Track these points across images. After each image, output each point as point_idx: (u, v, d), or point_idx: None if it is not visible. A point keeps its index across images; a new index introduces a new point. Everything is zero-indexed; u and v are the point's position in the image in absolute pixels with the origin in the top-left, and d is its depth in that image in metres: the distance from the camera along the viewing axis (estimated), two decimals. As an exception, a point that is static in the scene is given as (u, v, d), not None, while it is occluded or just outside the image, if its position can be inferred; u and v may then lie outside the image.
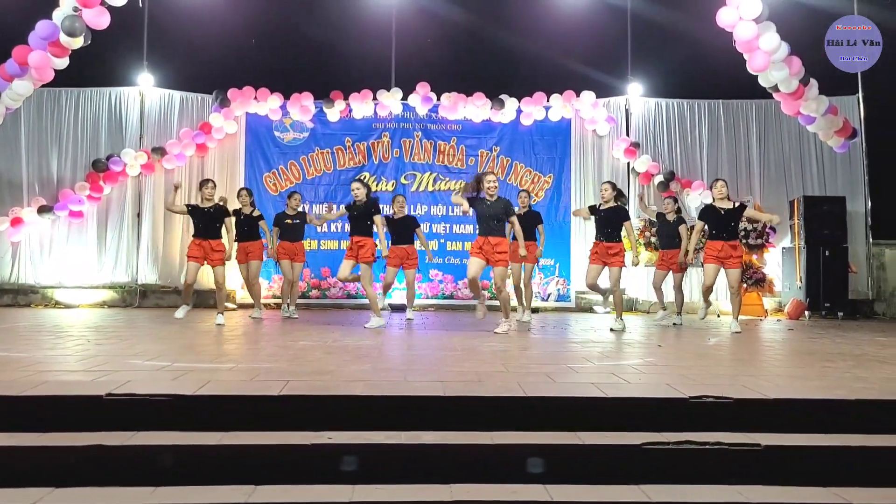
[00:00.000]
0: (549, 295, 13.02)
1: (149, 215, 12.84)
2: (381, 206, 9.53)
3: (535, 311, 12.31)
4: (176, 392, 3.92)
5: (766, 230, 12.41)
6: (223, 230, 9.29)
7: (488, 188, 8.12)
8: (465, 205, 8.19)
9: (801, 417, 3.95)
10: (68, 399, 3.88)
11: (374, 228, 8.89)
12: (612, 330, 8.69)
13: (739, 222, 9.11)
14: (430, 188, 13.11)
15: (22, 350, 5.92)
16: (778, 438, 3.67)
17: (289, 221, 10.47)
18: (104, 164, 12.51)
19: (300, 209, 10.72)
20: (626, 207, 9.10)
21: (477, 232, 8.28)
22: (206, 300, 12.34)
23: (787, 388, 4.53)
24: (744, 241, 12.27)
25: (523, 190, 10.77)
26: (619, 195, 9.05)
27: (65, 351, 5.95)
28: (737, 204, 8.98)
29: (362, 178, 12.63)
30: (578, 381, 4.66)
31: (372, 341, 7.16)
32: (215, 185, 9.40)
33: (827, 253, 11.94)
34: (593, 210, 9.16)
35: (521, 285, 10.40)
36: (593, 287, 9.08)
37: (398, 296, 12.69)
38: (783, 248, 12.80)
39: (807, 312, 11.85)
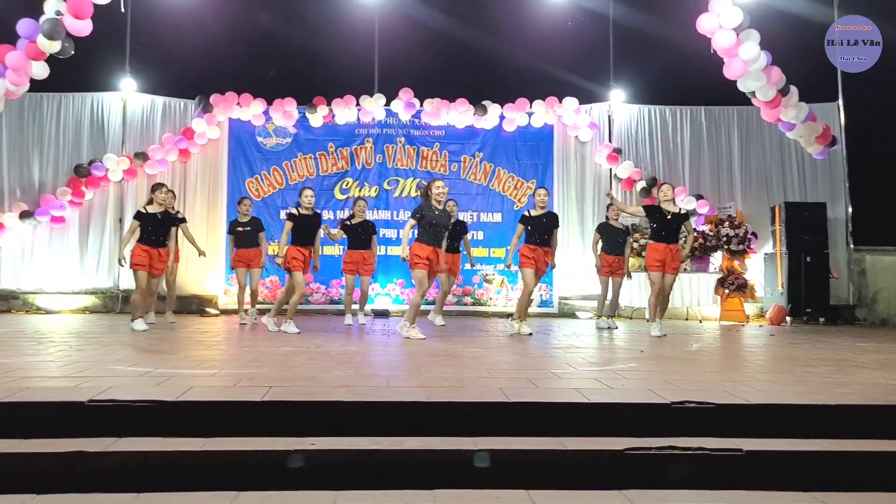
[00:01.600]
0: (531, 300, 13.03)
1: (130, 221, 12.74)
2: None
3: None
4: (158, 398, 3.91)
5: (748, 236, 12.47)
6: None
7: (437, 195, 8.13)
8: (410, 228, 8.25)
9: (782, 422, 3.98)
10: (49, 405, 3.86)
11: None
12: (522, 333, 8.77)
13: (681, 228, 9.11)
14: (413, 194, 13.09)
15: (2, 356, 5.88)
16: (760, 443, 3.70)
17: (240, 229, 10.38)
18: (86, 170, 12.44)
19: (252, 215, 10.67)
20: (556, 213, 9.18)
21: (420, 239, 8.13)
22: (189, 305, 12.31)
23: (769, 393, 4.55)
24: (725, 246, 12.35)
25: (450, 199, 10.31)
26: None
27: (46, 357, 5.91)
28: (682, 211, 9.12)
29: (347, 183, 12.67)
30: (561, 386, 4.68)
31: (355, 347, 7.16)
32: (170, 192, 9.34)
33: (808, 259, 12.01)
34: (526, 220, 9.07)
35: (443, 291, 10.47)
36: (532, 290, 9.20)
37: (379, 301, 12.72)
38: (765, 254, 12.87)
39: (788, 318, 11.93)
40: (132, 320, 8.87)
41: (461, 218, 11.28)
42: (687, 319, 12.64)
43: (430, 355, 6.41)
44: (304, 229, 8.92)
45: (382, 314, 12.14)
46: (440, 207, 8.16)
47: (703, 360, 6.59)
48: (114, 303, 12.69)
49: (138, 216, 9.10)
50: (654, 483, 3.48)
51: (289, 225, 8.93)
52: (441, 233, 8.15)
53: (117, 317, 11.60)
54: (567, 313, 12.97)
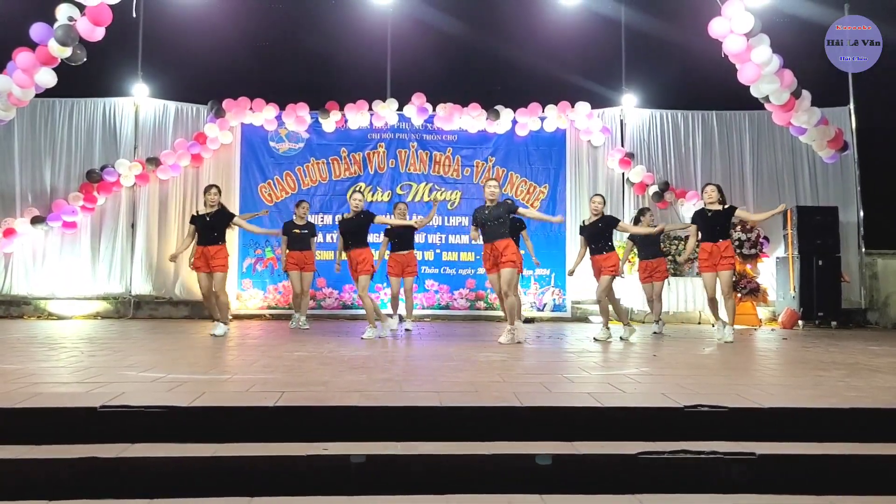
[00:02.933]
0: (544, 305, 13.02)
1: (143, 226, 12.81)
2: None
3: (530, 320, 12.33)
4: (171, 404, 3.91)
5: (760, 240, 12.43)
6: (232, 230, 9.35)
7: (489, 195, 8.22)
8: (476, 234, 8.46)
9: (795, 426, 3.96)
10: (62, 411, 3.87)
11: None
12: (595, 339, 8.72)
13: (729, 224, 9.03)
14: (426, 198, 13.10)
15: (15, 362, 5.90)
16: (772, 447, 3.68)
17: (297, 231, 10.41)
18: (98, 175, 12.50)
19: (308, 218, 10.71)
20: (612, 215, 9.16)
21: (482, 241, 8.31)
22: (201, 311, 12.33)
23: (782, 396, 4.53)
24: (738, 250, 12.29)
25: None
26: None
27: (58, 363, 5.93)
28: (726, 206, 8.89)
29: (359, 188, 12.69)
30: (574, 390, 4.67)
31: (368, 352, 7.15)
32: (219, 191, 9.19)
33: (820, 263, 11.98)
34: (582, 230, 9.22)
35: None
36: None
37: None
38: (777, 257, 12.83)
39: (800, 322, 11.88)
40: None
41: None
42: (699, 323, 12.61)
43: (443, 360, 6.41)
44: (348, 232, 9.06)
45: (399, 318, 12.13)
46: (491, 205, 8.21)
47: (716, 363, 6.57)
48: (126, 308, 12.74)
49: (192, 219, 9.22)
50: (666, 487, 3.46)
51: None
52: (492, 226, 8.14)
53: (129, 322, 11.65)
54: (580, 318, 12.95)
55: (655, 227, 9.92)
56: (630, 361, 6.65)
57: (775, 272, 12.85)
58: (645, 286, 10.37)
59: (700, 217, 9.00)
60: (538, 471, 3.49)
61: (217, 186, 9.28)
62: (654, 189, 13.06)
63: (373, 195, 13.06)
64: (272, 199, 12.98)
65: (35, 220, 12.34)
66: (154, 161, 12.70)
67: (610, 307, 9.10)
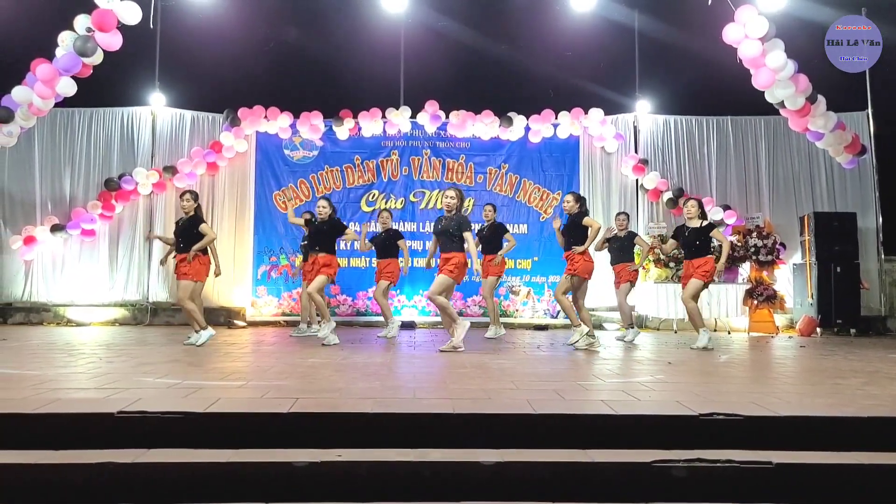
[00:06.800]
0: (558, 312, 12.98)
1: (159, 233, 12.87)
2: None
3: (544, 328, 12.29)
4: (187, 409, 3.93)
5: (777, 246, 12.36)
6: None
7: (445, 206, 8.28)
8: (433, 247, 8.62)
9: (812, 435, 3.93)
10: (80, 416, 3.89)
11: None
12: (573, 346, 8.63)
13: (707, 240, 8.75)
14: (439, 206, 13.08)
15: (34, 368, 5.95)
16: (789, 456, 3.65)
17: None
18: (116, 184, 12.60)
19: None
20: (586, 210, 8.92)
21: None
22: (216, 318, 12.38)
23: (799, 405, 4.51)
24: (754, 257, 12.24)
25: (488, 203, 10.73)
26: (580, 201, 8.81)
27: (76, 369, 5.97)
28: (704, 223, 8.80)
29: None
30: (588, 398, 4.66)
31: (381, 359, 7.17)
32: (192, 197, 8.74)
33: (838, 269, 11.88)
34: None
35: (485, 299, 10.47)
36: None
37: (406, 313, 12.73)
38: (794, 264, 12.75)
39: (818, 329, 11.80)
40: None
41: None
42: (715, 331, 12.53)
43: (456, 367, 6.41)
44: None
45: (409, 326, 12.15)
46: (448, 216, 8.26)
47: (732, 371, 6.54)
48: (143, 315, 12.81)
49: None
50: (682, 496, 3.45)
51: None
52: (443, 238, 8.22)
53: (146, 329, 11.71)
54: (594, 324, 12.88)
55: (620, 230, 10.17)
56: (644, 369, 6.63)
57: (793, 279, 12.77)
58: (616, 291, 10.28)
59: (678, 233, 9.10)
60: (552, 478, 3.49)
61: (191, 192, 8.84)
62: (668, 195, 13.02)
63: (386, 202, 13.09)
64: (286, 206, 13.01)
65: (55, 228, 12.45)
66: (171, 169, 12.79)
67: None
